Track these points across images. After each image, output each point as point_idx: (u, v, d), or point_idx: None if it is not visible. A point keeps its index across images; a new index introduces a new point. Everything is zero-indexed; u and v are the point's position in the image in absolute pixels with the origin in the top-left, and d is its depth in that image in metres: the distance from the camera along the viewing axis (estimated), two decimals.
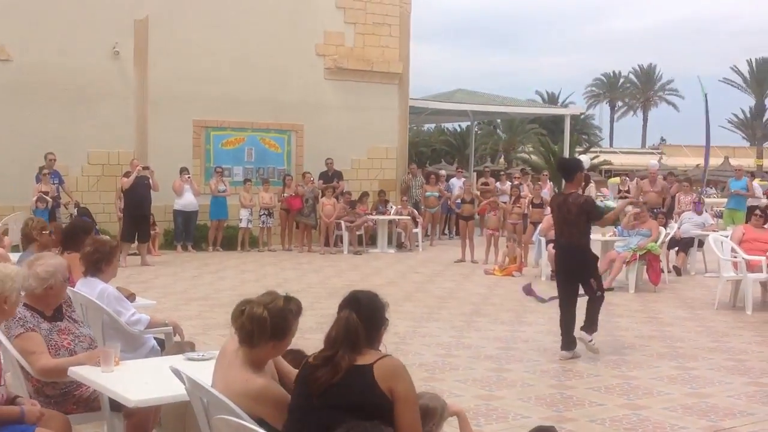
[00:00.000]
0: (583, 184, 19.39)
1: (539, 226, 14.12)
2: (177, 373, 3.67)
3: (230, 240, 17.64)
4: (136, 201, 15.41)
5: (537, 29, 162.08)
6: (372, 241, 18.40)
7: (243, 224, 17.56)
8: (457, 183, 20.97)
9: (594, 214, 8.12)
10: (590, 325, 8.07)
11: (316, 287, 12.51)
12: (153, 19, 17.59)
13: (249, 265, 15.23)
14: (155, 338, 5.79)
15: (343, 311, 3.44)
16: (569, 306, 8.12)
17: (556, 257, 8.71)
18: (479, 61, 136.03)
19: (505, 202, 16.92)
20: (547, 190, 17.47)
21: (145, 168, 15.88)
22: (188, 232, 17.11)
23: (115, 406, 4.46)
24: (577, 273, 8.09)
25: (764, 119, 66.71)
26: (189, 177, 16.99)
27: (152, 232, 16.18)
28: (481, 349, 8.36)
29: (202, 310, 10.38)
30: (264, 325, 3.47)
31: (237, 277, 13.62)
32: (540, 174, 20.96)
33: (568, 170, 8.41)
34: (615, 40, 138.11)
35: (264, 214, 17.61)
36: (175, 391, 3.81)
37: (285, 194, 17.83)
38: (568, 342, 8.03)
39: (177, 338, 5.80)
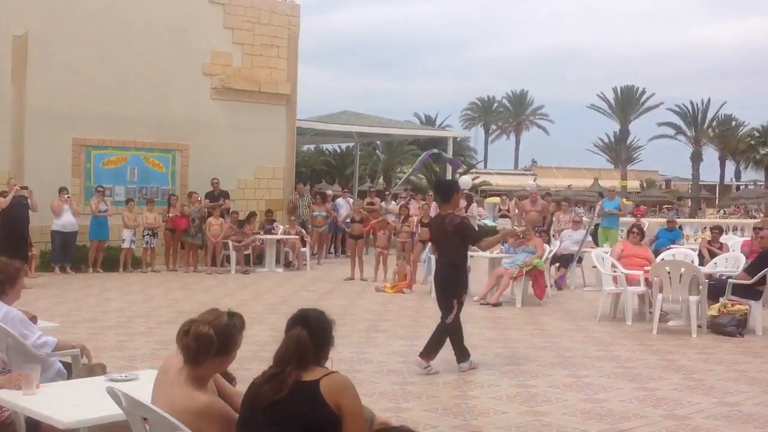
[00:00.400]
0: (466, 204, 20.02)
1: (429, 245, 14.39)
2: (113, 392, 3.61)
3: (111, 261, 17.17)
4: (14, 221, 14.87)
5: (415, 54, 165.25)
6: (259, 260, 18.30)
7: (125, 245, 17.14)
8: (343, 203, 21.15)
9: (469, 236, 8.15)
10: (429, 352, 7.98)
11: (208, 307, 12.29)
12: (33, 35, 17.03)
13: (134, 286, 14.87)
14: (61, 361, 5.64)
15: (293, 329, 3.46)
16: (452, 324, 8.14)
17: (435, 275, 8.67)
18: (357, 83, 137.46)
19: (392, 222, 17.19)
20: (434, 209, 17.82)
21: (23, 188, 15.33)
22: (67, 254, 16.55)
23: (32, 428, 4.34)
24: (447, 288, 8.13)
25: (628, 143, 70.03)
26: (68, 197, 16.46)
27: (29, 254, 15.57)
28: (383, 363, 8.48)
29: (91, 332, 10.07)
30: (210, 342, 3.48)
31: (123, 298, 13.27)
32: (426, 195, 21.35)
33: (444, 191, 8.36)
34: (489, 66, 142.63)
35: (148, 234, 17.25)
36: (107, 411, 3.76)
37: (170, 214, 17.53)
38: (462, 354, 8.16)
39: (84, 360, 5.67)
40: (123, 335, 9.80)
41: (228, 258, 17.47)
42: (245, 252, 17.59)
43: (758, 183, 62.62)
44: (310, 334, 3.41)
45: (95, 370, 5.33)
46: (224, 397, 3.71)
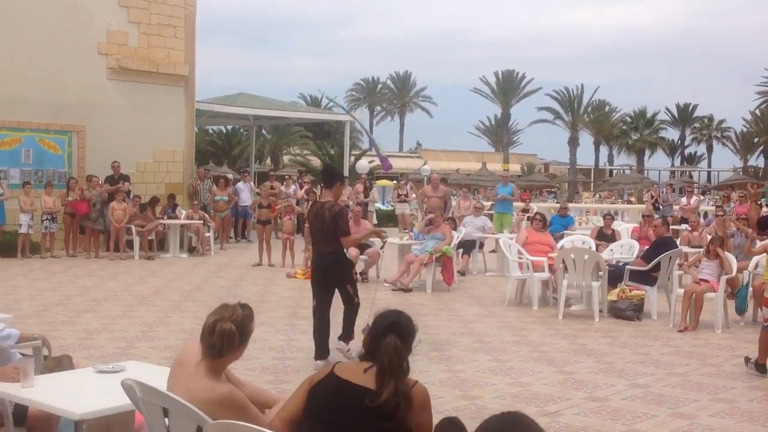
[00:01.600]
0: (366, 187, 20.35)
1: None
2: (126, 384, 3.76)
3: (8, 246, 16.69)
4: None
5: (292, 31, 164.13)
6: (161, 245, 18.14)
7: (23, 230, 16.68)
8: (244, 187, 21.15)
9: (339, 228, 7.94)
10: (348, 334, 8.11)
11: (123, 295, 12.28)
12: None
13: (37, 273, 14.56)
14: (21, 353, 5.66)
15: (387, 337, 3.38)
16: (323, 314, 8.12)
17: (313, 265, 8.45)
18: (238, 62, 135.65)
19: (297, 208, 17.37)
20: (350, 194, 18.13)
21: None
22: None
23: (18, 420, 4.44)
24: (334, 280, 8.09)
25: (509, 127, 72.10)
26: None
27: None
28: (313, 350, 8.73)
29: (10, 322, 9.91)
30: (233, 337, 3.68)
31: (30, 286, 13.01)
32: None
33: (329, 178, 8.25)
34: (371, 47, 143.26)
35: (47, 218, 16.83)
36: (112, 402, 3.91)
37: (69, 198, 17.15)
38: (322, 350, 8.06)
39: (45, 351, 5.71)
40: (44, 324, 9.68)
41: (131, 243, 17.25)
42: (149, 237, 17.41)
43: (632, 167, 65.67)
44: (402, 341, 3.39)
45: (63, 361, 5.40)
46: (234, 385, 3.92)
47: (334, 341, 8.20)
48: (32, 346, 5.71)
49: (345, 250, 8.30)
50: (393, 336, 3.38)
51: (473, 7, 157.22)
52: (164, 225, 17.91)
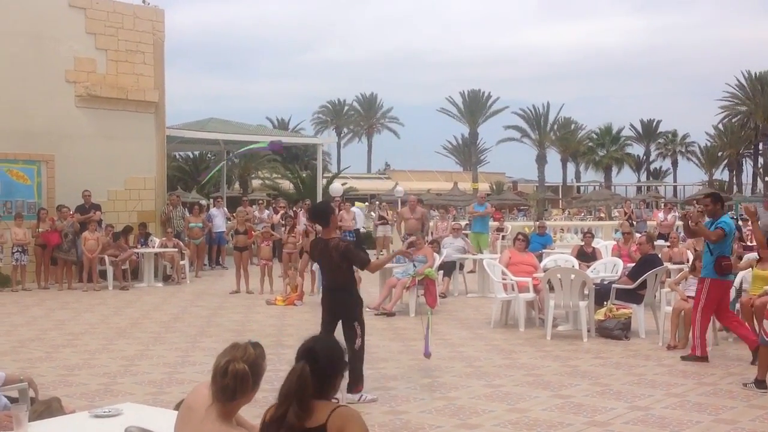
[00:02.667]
0: (349, 215, 20.16)
1: None
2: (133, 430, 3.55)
3: None
4: None
5: (258, 55, 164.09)
6: (135, 275, 17.78)
7: None
8: (217, 213, 20.88)
9: (358, 262, 7.88)
10: (356, 383, 7.73)
11: (101, 327, 11.95)
12: None
13: (9, 306, 14.16)
14: (6, 396, 5.40)
15: (298, 362, 3.36)
16: (327, 334, 7.80)
17: (323, 296, 8.27)
18: (202, 85, 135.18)
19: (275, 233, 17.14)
20: None
21: None
22: None
23: None
24: (341, 314, 7.88)
25: (477, 145, 72.41)
26: None
27: None
28: None
29: None
30: (247, 379, 3.48)
31: (4, 321, 12.63)
32: (303, 202, 21.35)
33: (322, 216, 8.03)
34: (337, 70, 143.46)
35: (17, 251, 16.41)
36: None
37: (40, 229, 16.76)
38: (356, 382, 7.77)
39: (32, 393, 5.46)
40: (22, 361, 9.37)
41: (104, 274, 16.88)
42: (122, 267, 17.06)
43: (600, 184, 66.16)
44: (315, 368, 3.32)
45: (52, 404, 5.16)
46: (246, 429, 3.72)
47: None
48: (18, 388, 5.47)
49: (354, 285, 8.11)
50: (303, 362, 3.32)
51: (437, 29, 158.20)
52: (138, 254, 17.56)
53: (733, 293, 11.08)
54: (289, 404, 3.31)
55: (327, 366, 3.39)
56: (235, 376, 3.45)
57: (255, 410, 3.87)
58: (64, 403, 6.06)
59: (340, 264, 7.79)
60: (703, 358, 9.48)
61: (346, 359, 3.56)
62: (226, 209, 21.01)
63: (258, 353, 3.58)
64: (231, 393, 3.47)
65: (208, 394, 3.53)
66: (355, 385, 7.74)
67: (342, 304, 7.93)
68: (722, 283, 9.47)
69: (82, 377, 8.67)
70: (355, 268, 8.04)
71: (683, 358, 9.66)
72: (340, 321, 7.91)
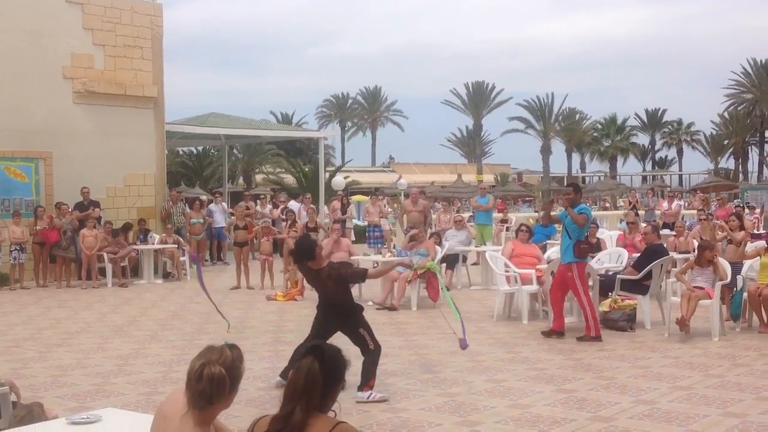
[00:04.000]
0: (343, 204, 19.97)
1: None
2: None
3: None
4: None
5: (262, 50, 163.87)
6: (135, 272, 17.61)
7: None
8: (216, 208, 20.69)
9: (356, 280, 8.03)
10: (366, 381, 7.50)
11: (97, 326, 11.77)
12: None
13: (7, 306, 13.99)
14: None
15: (304, 358, 3.13)
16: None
17: (321, 311, 7.97)
18: (207, 81, 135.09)
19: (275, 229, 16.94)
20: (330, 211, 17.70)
21: None
22: None
23: None
24: (343, 325, 7.72)
25: (481, 137, 72.13)
26: None
27: None
28: None
29: None
30: (224, 383, 3.26)
31: (0, 320, 12.45)
32: (304, 196, 21.10)
33: (308, 254, 7.66)
34: (341, 64, 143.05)
35: (15, 249, 16.24)
36: None
37: (38, 227, 16.58)
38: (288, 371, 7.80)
39: (13, 397, 5.28)
40: (15, 362, 9.21)
41: (103, 271, 16.72)
42: (121, 264, 16.88)
43: (605, 174, 65.84)
44: (322, 368, 3.10)
45: (33, 409, 4.99)
46: None
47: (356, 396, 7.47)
48: None
49: (351, 298, 7.94)
50: (311, 357, 3.09)
51: (445, 23, 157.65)
52: (137, 251, 17.39)
53: (740, 282, 10.88)
54: (295, 405, 3.08)
55: (332, 368, 3.16)
56: (211, 381, 3.24)
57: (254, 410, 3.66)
58: (50, 405, 5.91)
59: (336, 289, 7.65)
60: (598, 338, 10.04)
61: (346, 371, 3.27)
62: (225, 204, 20.79)
63: (235, 355, 3.37)
64: (207, 398, 3.26)
65: (183, 401, 3.32)
66: (366, 383, 7.51)
67: (342, 317, 7.73)
68: (584, 265, 10.43)
69: (74, 377, 8.49)
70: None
71: (579, 339, 10.09)
72: (347, 333, 7.73)
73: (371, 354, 7.65)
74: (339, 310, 7.77)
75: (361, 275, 8.00)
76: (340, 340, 7.22)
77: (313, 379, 3.08)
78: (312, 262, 7.70)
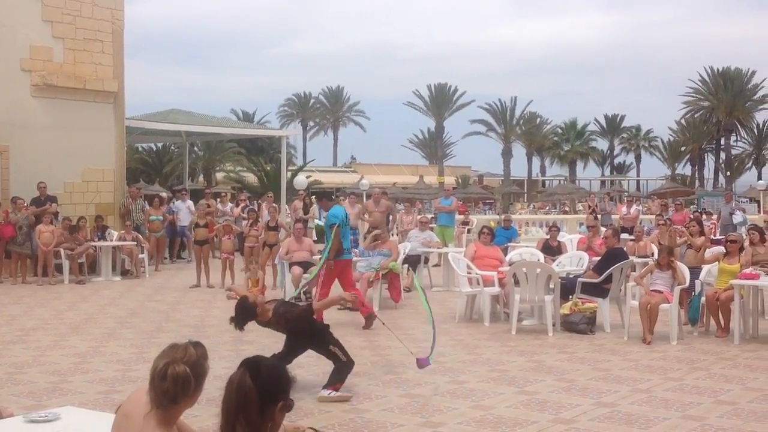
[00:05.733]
0: (306, 203, 19.84)
1: (279, 251, 14.21)
2: None
3: None
4: None
5: (225, 48, 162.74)
6: (92, 268, 17.35)
7: None
8: (182, 206, 20.46)
9: (303, 321, 7.76)
10: (331, 384, 7.55)
11: (54, 323, 11.57)
12: None
13: None
14: None
15: (236, 371, 3.04)
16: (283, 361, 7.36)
17: (290, 343, 7.97)
18: (167, 77, 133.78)
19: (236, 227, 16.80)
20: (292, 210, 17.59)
21: None
22: None
23: None
24: (311, 344, 7.82)
25: (443, 139, 72.34)
26: None
27: None
28: None
29: None
30: (188, 381, 3.19)
31: None
32: (266, 195, 20.93)
33: (247, 316, 7.77)
34: (303, 63, 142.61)
35: None
36: None
37: None
38: (334, 382, 7.66)
39: None
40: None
41: (59, 267, 16.44)
42: (79, 261, 16.62)
43: (565, 178, 66.43)
44: (256, 383, 2.97)
45: None
46: None
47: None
48: None
49: (312, 322, 7.95)
50: (242, 369, 2.99)
51: (407, 24, 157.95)
52: (95, 247, 17.13)
53: (698, 286, 11.03)
54: (234, 422, 2.98)
55: (268, 383, 3.01)
56: (175, 380, 3.17)
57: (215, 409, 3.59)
58: (5, 403, 5.77)
59: (296, 326, 7.69)
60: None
61: (289, 389, 3.10)
62: (191, 202, 20.55)
63: (200, 353, 3.29)
64: (171, 398, 3.18)
65: (146, 400, 3.24)
66: (333, 384, 7.53)
67: (310, 337, 7.79)
68: (346, 261, 11.42)
69: (30, 375, 8.33)
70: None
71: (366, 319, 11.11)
72: (318, 351, 7.84)
73: (344, 364, 7.71)
74: (305, 333, 7.81)
75: (307, 312, 7.96)
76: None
77: (245, 393, 2.97)
78: (258, 318, 7.80)
